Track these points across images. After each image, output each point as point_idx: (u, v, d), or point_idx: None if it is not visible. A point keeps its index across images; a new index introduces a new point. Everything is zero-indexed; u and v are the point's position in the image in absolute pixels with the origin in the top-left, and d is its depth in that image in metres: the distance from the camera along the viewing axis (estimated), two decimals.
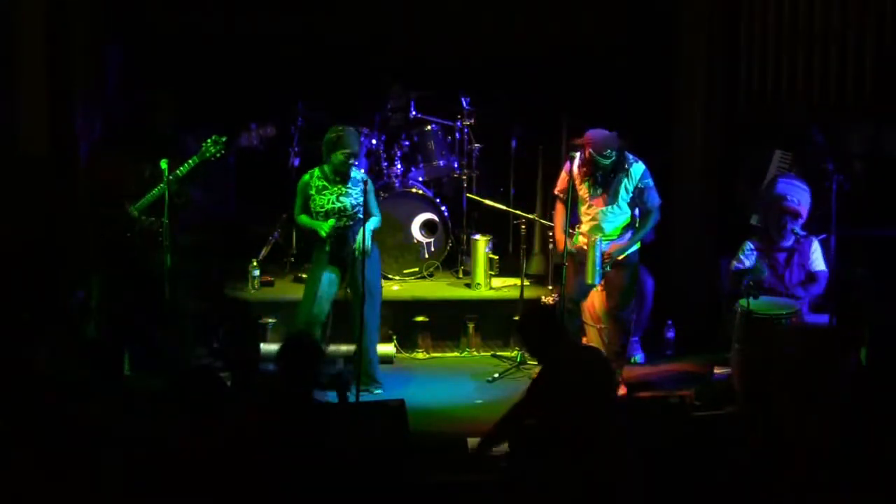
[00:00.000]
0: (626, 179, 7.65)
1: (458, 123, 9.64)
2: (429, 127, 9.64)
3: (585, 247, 7.68)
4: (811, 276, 7.86)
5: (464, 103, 9.62)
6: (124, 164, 7.69)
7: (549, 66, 10.08)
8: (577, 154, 7.74)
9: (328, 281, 7.80)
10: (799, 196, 7.78)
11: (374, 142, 9.49)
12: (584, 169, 7.69)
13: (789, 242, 7.81)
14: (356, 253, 7.67)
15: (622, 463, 5.57)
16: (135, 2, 9.65)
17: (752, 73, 9.03)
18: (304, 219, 7.85)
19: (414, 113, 9.67)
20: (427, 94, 9.73)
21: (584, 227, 7.79)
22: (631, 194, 7.68)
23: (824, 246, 7.95)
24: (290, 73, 9.92)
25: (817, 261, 7.85)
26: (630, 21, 10.01)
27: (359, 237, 7.69)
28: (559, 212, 7.85)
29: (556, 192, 7.93)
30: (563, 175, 7.83)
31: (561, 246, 7.79)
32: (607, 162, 7.57)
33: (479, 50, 10.07)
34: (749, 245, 7.88)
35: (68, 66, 8.64)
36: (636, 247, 7.84)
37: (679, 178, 9.18)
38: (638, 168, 7.69)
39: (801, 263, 7.82)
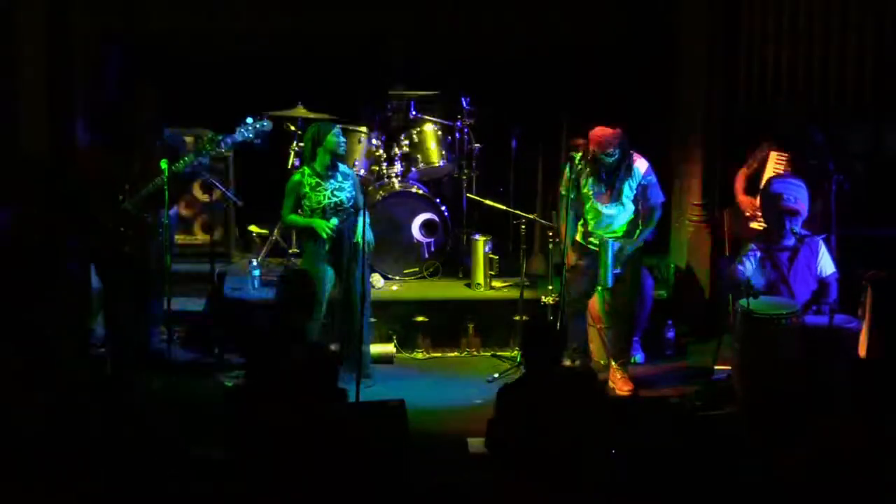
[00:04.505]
0: (629, 178, 7.68)
1: (458, 123, 9.63)
2: (429, 127, 9.63)
3: (591, 246, 7.71)
4: (822, 284, 7.81)
5: (464, 103, 9.61)
6: (110, 159, 7.67)
7: (549, 66, 10.08)
8: (579, 153, 7.76)
9: (325, 280, 7.80)
10: (796, 194, 7.77)
11: (374, 142, 9.48)
12: (588, 168, 7.71)
13: (791, 242, 7.80)
14: (360, 244, 7.67)
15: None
16: (136, 1, 9.66)
17: (752, 73, 9.03)
18: (295, 218, 7.83)
19: (414, 113, 9.67)
20: (427, 94, 9.72)
21: (590, 226, 7.81)
22: (634, 192, 7.71)
23: (827, 245, 7.95)
24: (290, 73, 9.91)
25: (826, 264, 7.81)
26: (630, 20, 10.01)
27: (359, 229, 7.70)
28: (562, 214, 7.90)
29: (560, 191, 7.96)
30: (565, 173, 7.86)
31: (571, 256, 7.83)
32: (611, 160, 7.60)
33: (479, 50, 10.07)
34: (752, 246, 7.87)
35: (68, 66, 8.64)
36: (640, 244, 7.87)
37: (679, 177, 9.19)
38: (641, 164, 7.72)
39: (807, 264, 7.80)
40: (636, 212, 7.80)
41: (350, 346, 7.80)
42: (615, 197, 7.72)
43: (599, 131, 7.63)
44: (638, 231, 7.80)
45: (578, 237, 7.89)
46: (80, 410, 6.01)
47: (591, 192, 7.73)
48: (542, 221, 9.03)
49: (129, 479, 5.51)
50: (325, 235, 7.69)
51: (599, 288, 7.93)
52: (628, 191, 7.71)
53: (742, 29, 8.97)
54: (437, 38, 10.11)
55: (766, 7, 8.95)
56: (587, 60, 10.03)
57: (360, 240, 7.68)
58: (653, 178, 7.74)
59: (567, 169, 7.87)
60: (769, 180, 8.05)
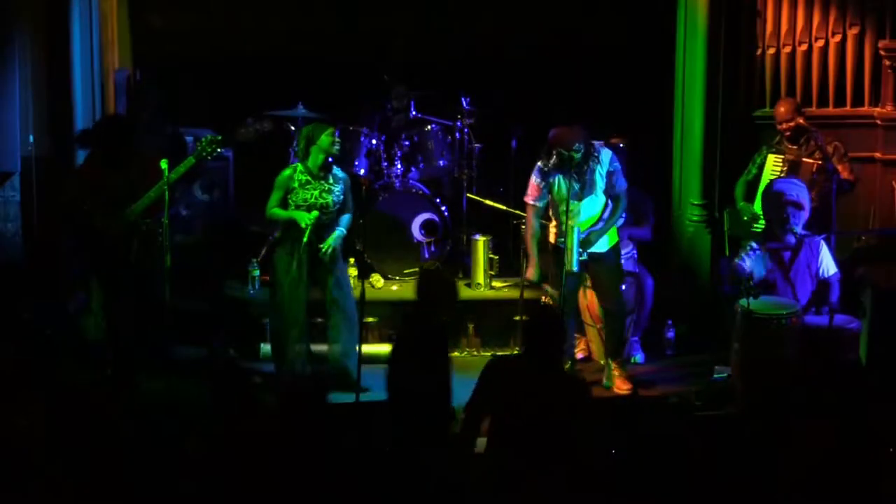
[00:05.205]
0: (598, 166, 7.70)
1: (458, 123, 9.63)
2: (429, 127, 9.62)
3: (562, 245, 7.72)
4: (824, 284, 7.82)
5: (464, 103, 9.61)
6: (108, 164, 7.66)
7: (549, 66, 10.09)
8: (545, 159, 7.74)
9: (299, 278, 7.76)
10: (797, 191, 7.80)
11: (374, 142, 9.48)
12: (559, 170, 7.69)
13: (792, 241, 7.81)
14: (324, 255, 7.69)
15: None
16: (136, 2, 9.67)
17: (753, 73, 9.04)
18: (277, 212, 7.75)
19: (414, 113, 9.67)
20: (427, 94, 9.72)
21: (564, 225, 7.73)
22: (605, 179, 7.72)
23: (827, 244, 7.96)
24: (290, 73, 9.92)
25: (828, 264, 7.82)
26: (630, 20, 10.02)
27: (329, 239, 7.71)
28: (530, 224, 7.89)
29: (527, 201, 7.90)
30: (533, 182, 7.82)
31: (531, 271, 7.86)
32: (578, 155, 7.60)
33: (479, 50, 10.07)
34: (753, 244, 7.88)
35: (68, 66, 8.65)
36: (614, 241, 7.86)
37: (678, 177, 9.20)
38: (606, 153, 7.76)
39: (807, 264, 7.81)
40: (606, 201, 7.81)
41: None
42: (588, 190, 7.72)
43: (559, 131, 7.64)
44: (606, 222, 7.79)
45: (552, 239, 7.87)
46: (81, 411, 6.01)
47: (565, 194, 7.67)
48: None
49: (128, 479, 5.51)
50: (303, 225, 7.63)
51: (589, 284, 7.94)
52: (599, 180, 7.72)
53: (742, 29, 8.97)
54: (437, 38, 10.12)
55: (765, 7, 8.95)
56: (587, 60, 10.03)
57: (325, 246, 7.69)
58: (618, 166, 7.77)
59: (533, 177, 7.84)
60: (772, 181, 8.08)
